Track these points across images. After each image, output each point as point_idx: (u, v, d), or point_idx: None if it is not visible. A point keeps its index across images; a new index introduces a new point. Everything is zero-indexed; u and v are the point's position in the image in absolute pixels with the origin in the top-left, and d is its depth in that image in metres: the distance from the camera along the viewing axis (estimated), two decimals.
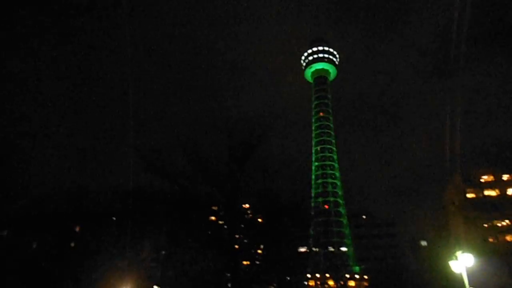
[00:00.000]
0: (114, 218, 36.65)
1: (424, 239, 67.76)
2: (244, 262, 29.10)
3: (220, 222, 30.11)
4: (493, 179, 64.19)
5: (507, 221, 58.21)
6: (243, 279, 24.72)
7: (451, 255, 49.80)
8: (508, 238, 54.50)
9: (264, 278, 32.56)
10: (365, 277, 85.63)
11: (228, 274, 44.58)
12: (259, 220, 28.57)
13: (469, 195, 64.44)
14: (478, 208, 58.42)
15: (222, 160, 23.23)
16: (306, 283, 68.14)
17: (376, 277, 67.04)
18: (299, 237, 37.09)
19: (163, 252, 36.94)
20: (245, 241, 27.39)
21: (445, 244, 54.19)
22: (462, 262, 15.85)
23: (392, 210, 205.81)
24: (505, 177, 61.10)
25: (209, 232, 28.32)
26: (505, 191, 59.92)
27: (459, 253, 16.11)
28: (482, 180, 66.26)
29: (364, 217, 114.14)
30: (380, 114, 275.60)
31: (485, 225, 56.56)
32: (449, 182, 73.35)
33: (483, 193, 64.45)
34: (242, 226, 27.32)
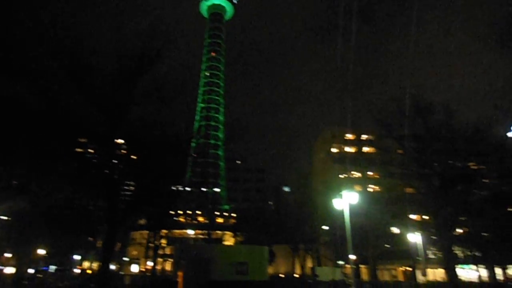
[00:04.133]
0: None
1: (287, 186, 74.73)
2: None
3: (91, 152, 26.23)
4: (354, 138, 74.21)
5: (359, 174, 68.59)
6: (119, 209, 22.08)
7: (311, 200, 55.58)
8: (357, 187, 64.35)
9: (134, 211, 30.67)
10: (233, 215, 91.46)
11: (92, 207, 41.06)
12: (133, 156, 25.84)
13: (334, 150, 73.42)
14: (339, 161, 66.84)
15: (109, 69, 19.18)
16: (176, 218, 69.10)
17: (242, 216, 72.01)
18: (175, 175, 35.91)
19: (15, 182, 31.34)
20: (118, 176, 24.47)
21: (304, 191, 60.91)
22: (345, 200, 17.05)
23: (265, 158, 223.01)
24: (363, 137, 70.97)
25: (78, 163, 24.12)
26: (361, 149, 69.91)
27: (344, 192, 17.21)
28: (346, 138, 76.00)
29: (239, 162, 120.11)
30: (270, 64, 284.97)
31: (341, 176, 65.33)
32: (319, 137, 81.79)
33: (344, 149, 74.25)
34: (115, 161, 24.17)
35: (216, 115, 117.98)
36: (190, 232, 70.16)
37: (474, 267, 49.26)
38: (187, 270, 22.70)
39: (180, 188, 44.83)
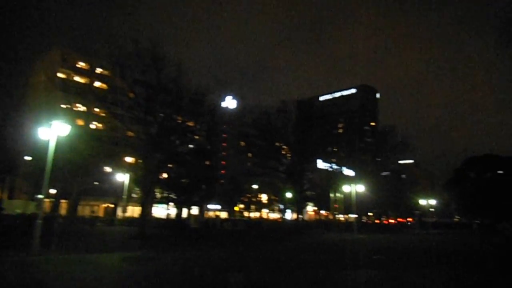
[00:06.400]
0: None
1: None
2: None
3: None
4: (89, 68, 67.70)
5: (84, 108, 63.85)
6: None
7: (15, 125, 48.01)
8: (79, 121, 59.86)
9: None
10: None
11: None
12: None
13: (61, 75, 64.27)
14: (64, 89, 59.65)
15: None
16: None
17: None
18: None
19: None
20: None
21: (7, 113, 51.51)
22: (55, 130, 15.48)
23: None
24: (98, 70, 65.93)
25: None
26: (93, 83, 64.96)
27: (53, 122, 15.54)
28: (78, 66, 68.08)
29: None
30: None
31: (63, 106, 58.74)
32: (46, 56, 69.51)
33: (74, 77, 66.55)
34: None
35: None
36: None
37: (165, 206, 57.74)
38: None
39: None
